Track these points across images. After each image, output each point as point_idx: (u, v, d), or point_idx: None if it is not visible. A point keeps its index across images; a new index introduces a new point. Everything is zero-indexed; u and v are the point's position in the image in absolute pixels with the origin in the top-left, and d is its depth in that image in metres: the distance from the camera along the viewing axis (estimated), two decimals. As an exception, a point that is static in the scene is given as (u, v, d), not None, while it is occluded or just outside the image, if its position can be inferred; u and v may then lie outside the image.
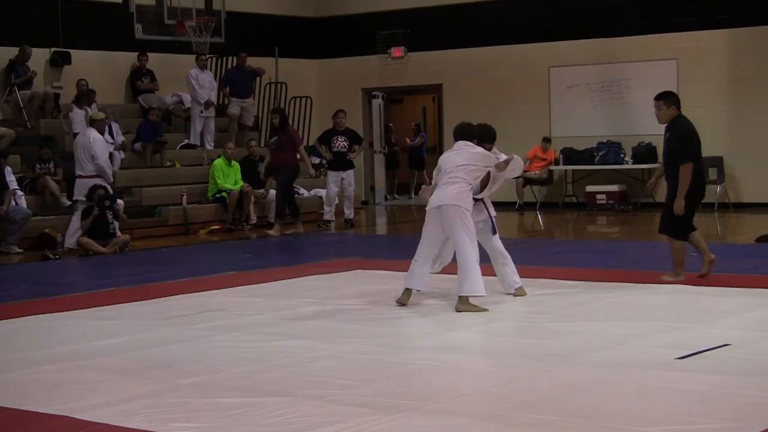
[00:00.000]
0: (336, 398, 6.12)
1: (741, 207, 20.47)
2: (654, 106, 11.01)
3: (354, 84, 24.79)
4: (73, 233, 15.57)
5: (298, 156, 18.13)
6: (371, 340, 7.91)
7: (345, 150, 18.74)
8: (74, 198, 15.98)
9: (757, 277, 10.95)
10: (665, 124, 10.93)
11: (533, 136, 22.22)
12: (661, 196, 20.88)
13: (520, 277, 10.06)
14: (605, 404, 5.90)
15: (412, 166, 27.05)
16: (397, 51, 24.06)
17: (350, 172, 18.93)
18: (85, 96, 18.40)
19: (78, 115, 17.92)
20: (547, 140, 22.12)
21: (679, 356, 6.99)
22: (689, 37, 21.06)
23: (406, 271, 9.63)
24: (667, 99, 10.93)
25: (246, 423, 5.69)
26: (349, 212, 19.03)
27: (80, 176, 15.81)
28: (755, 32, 20.59)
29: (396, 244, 17.12)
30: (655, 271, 11.29)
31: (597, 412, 5.73)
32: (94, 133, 15.77)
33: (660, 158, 21.33)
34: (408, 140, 27.34)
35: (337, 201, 19.01)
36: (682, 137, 10.69)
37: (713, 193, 20.56)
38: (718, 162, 20.79)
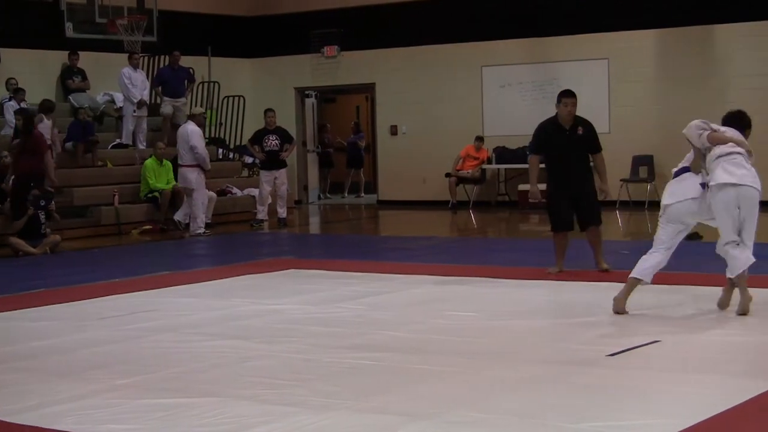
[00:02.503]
0: (269, 398, 6.12)
1: (671, 205, 20.65)
2: (571, 104, 11.25)
3: (287, 83, 24.76)
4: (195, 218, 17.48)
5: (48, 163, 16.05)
6: (305, 340, 7.91)
7: (277, 149, 18.72)
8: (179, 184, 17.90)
9: (686, 274, 11.07)
10: (571, 121, 11.24)
11: (466, 135, 22.31)
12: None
13: (454, 276, 10.09)
14: (537, 401, 5.94)
15: (350, 165, 27.07)
16: (330, 50, 24.06)
17: (283, 171, 18.91)
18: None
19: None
20: (479, 139, 22.22)
21: (610, 353, 7.07)
22: (620, 37, 21.26)
23: (340, 270, 9.63)
24: None
25: (179, 424, 5.67)
26: (282, 211, 19.00)
27: (181, 166, 17.68)
28: (684, 32, 20.83)
29: (329, 244, 17.13)
30: (588, 270, 11.39)
31: (529, 409, 5.77)
32: (192, 126, 17.52)
33: (591, 157, 21.57)
34: (340, 139, 27.40)
35: (270, 200, 18.98)
36: (594, 130, 11.39)
37: (644, 191, 20.79)
38: (648, 160, 21.01)
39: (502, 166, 22.42)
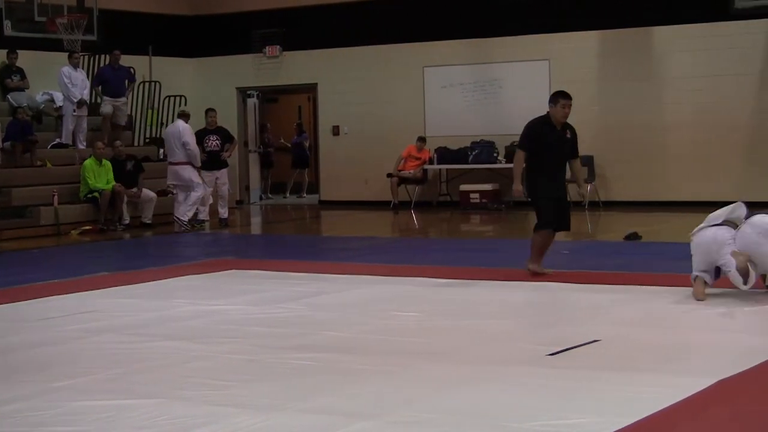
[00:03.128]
0: (212, 399, 6.10)
1: (611, 205, 20.85)
2: (569, 106, 11.31)
3: (229, 83, 24.68)
4: (184, 212, 18.05)
5: None
6: (247, 340, 7.89)
7: (218, 149, 18.67)
8: (168, 182, 18.62)
9: (626, 274, 11.17)
10: (562, 123, 11.31)
11: (408, 135, 22.34)
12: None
13: (396, 276, 10.10)
14: (480, 400, 5.97)
15: (295, 165, 27.02)
16: (272, 50, 24.01)
17: (224, 171, 18.85)
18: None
19: None
20: (421, 140, 22.27)
21: (550, 353, 7.11)
22: (561, 38, 21.40)
23: (282, 270, 9.62)
24: None
25: (120, 425, 5.64)
26: (223, 212, 18.94)
27: (171, 163, 18.29)
28: (624, 34, 21.00)
29: (271, 244, 17.10)
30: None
31: (472, 408, 5.80)
32: (182, 123, 18.35)
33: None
34: (283, 140, 27.35)
35: (211, 200, 18.91)
36: (576, 134, 11.56)
37: (584, 191, 20.92)
38: (588, 161, 21.14)
39: (444, 167, 22.48)
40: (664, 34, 20.74)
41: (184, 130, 18.26)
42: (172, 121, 22.44)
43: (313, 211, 23.42)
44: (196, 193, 18.25)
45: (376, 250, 14.47)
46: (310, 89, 24.93)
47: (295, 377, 6.67)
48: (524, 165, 11.28)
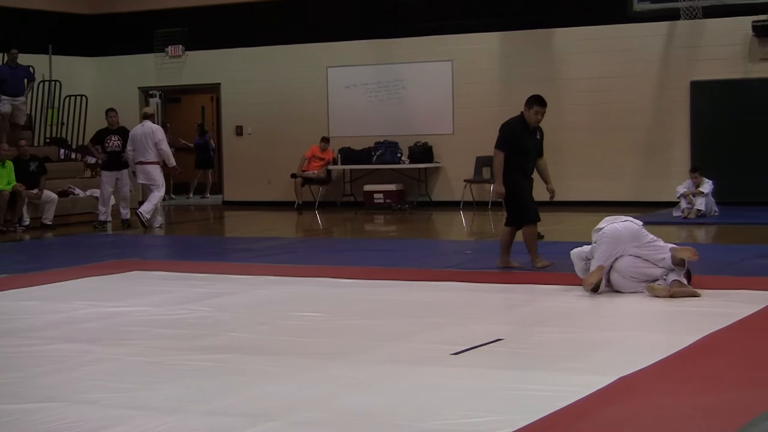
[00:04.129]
0: (113, 402, 6.03)
1: (513, 205, 21.00)
2: (542, 113, 11.55)
3: (131, 83, 24.48)
4: (147, 210, 18.30)
5: None
6: (149, 342, 7.82)
7: (119, 149, 18.51)
8: (139, 182, 18.84)
9: (528, 273, 11.28)
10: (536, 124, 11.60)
11: (312, 135, 22.36)
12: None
13: (299, 276, 10.08)
14: (382, 401, 5.98)
15: (199, 165, 26.83)
16: (174, 50, 23.87)
17: (125, 171, 18.70)
18: None
19: None
20: (325, 140, 22.29)
21: (453, 352, 7.15)
22: (463, 39, 21.56)
23: (185, 271, 9.55)
24: None
25: (18, 430, 5.56)
26: (125, 212, 18.80)
27: (142, 162, 18.36)
28: (526, 35, 21.23)
29: (174, 245, 16.97)
30: (432, 269, 11.53)
31: (374, 408, 5.81)
32: (153, 124, 18.77)
33: (436, 158, 21.85)
34: (183, 140, 27.17)
35: (113, 201, 18.75)
36: (543, 134, 11.80)
37: (487, 192, 21.08)
38: (490, 161, 21.27)
39: (348, 167, 22.51)
40: (564, 35, 21.01)
41: (157, 131, 18.56)
42: (74, 120, 22.28)
43: (216, 211, 23.30)
44: (159, 193, 18.57)
45: (279, 251, 14.44)
46: (213, 89, 24.81)
47: (198, 379, 6.64)
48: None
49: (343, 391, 6.22)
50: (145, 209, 18.32)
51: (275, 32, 23.06)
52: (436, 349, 7.28)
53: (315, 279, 11.03)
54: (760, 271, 10.98)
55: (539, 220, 11.72)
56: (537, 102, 11.53)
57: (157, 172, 18.59)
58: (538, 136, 11.69)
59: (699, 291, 9.29)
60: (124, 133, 18.69)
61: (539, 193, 11.83)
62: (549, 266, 11.33)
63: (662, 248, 9.49)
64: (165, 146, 18.61)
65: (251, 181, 23.48)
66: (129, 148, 18.53)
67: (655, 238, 9.62)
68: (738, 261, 11.76)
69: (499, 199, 11.91)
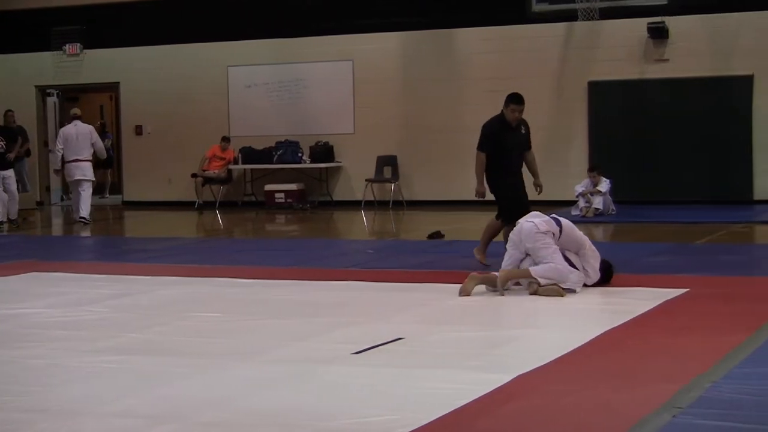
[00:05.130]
0: (10, 405, 5.95)
1: (414, 204, 21.15)
2: (519, 111, 11.66)
3: (27, 81, 24.12)
4: (78, 208, 19.12)
5: None
6: (47, 344, 7.72)
7: (2, 150, 18.28)
8: (76, 178, 19.10)
9: (429, 272, 11.35)
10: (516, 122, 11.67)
11: (212, 135, 22.26)
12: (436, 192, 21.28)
13: (199, 276, 10.04)
14: (283, 401, 5.99)
15: (99, 165, 26.50)
16: (72, 48, 23.58)
17: (10, 171, 18.45)
18: None
19: None
20: (226, 139, 22.20)
21: (355, 351, 7.18)
22: (364, 38, 21.61)
23: (84, 272, 9.44)
24: None
25: None
26: (13, 212, 18.53)
27: (78, 160, 18.97)
28: (427, 35, 21.35)
29: (73, 246, 16.76)
30: (333, 268, 11.54)
31: (276, 408, 5.81)
32: (85, 124, 19.52)
33: (337, 157, 21.87)
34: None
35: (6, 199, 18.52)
36: (529, 128, 11.94)
37: (389, 191, 21.18)
38: (392, 161, 21.41)
39: (249, 167, 22.45)
40: (465, 36, 21.17)
41: (92, 130, 19.58)
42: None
43: (116, 211, 23.08)
44: (90, 190, 19.35)
45: (180, 251, 14.36)
46: (112, 88, 24.57)
47: (98, 381, 6.58)
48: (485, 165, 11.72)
49: (246, 392, 6.22)
50: (86, 212, 19.08)
51: (175, 31, 22.90)
52: (338, 349, 7.30)
53: (216, 279, 10.98)
54: (656, 269, 11.18)
55: (510, 222, 11.46)
56: (512, 100, 11.66)
57: (91, 169, 19.38)
58: (522, 131, 11.79)
59: (564, 291, 9.43)
60: (7, 134, 18.49)
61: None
62: (485, 265, 11.28)
63: (545, 257, 9.56)
64: (100, 143, 19.84)
65: (151, 180, 23.30)
66: (59, 146, 19.01)
67: (547, 244, 9.64)
68: (634, 259, 11.95)
69: (479, 199, 11.98)
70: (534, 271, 9.46)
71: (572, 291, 9.46)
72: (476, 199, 11.94)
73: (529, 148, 12.01)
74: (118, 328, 8.38)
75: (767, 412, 5.40)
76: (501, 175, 11.68)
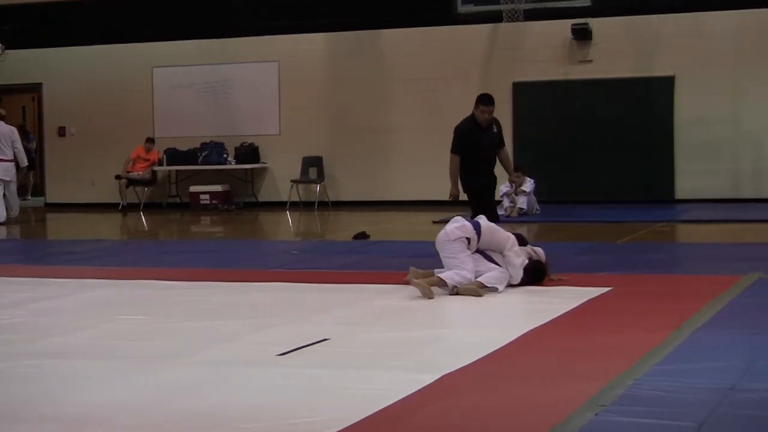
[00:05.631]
0: (-71, 410, 5.87)
1: (339, 205, 21.16)
2: (489, 112, 11.68)
3: (-53, 82, 23.82)
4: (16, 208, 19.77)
5: None
6: (-30, 348, 7.63)
7: None
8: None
9: (355, 272, 11.36)
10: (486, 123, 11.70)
11: (136, 136, 22.11)
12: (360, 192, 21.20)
13: (123, 279, 9.95)
14: (209, 403, 5.95)
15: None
16: (-7, 48, 23.31)
17: None
18: None
19: None
20: (150, 141, 22.06)
21: (280, 352, 7.16)
22: (290, 39, 21.59)
23: (5, 276, 9.31)
24: None
25: None
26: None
27: (2, 160, 19.21)
28: (352, 36, 21.36)
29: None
30: (258, 269, 11.50)
31: (201, 411, 5.77)
32: (7, 125, 19.53)
33: (262, 158, 21.81)
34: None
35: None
36: (501, 126, 12.04)
37: (314, 192, 21.18)
38: (317, 161, 21.40)
39: (173, 168, 22.32)
40: (391, 37, 21.21)
41: (14, 132, 19.67)
42: None
43: (38, 213, 22.83)
44: (14, 187, 19.74)
45: (103, 253, 14.23)
46: (35, 89, 24.30)
47: (18, 385, 6.50)
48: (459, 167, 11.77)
49: (170, 395, 6.17)
50: (15, 212, 19.60)
51: (99, 31, 22.71)
52: (262, 350, 7.28)
53: (139, 281, 10.90)
54: (581, 268, 11.27)
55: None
56: (482, 101, 11.75)
57: (14, 168, 19.56)
58: (494, 130, 11.85)
59: (482, 291, 9.49)
60: None
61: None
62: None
63: (452, 266, 9.64)
64: (20, 146, 19.66)
65: (74, 182, 23.08)
66: None
67: (454, 253, 9.73)
68: (559, 258, 12.03)
69: (452, 200, 12.05)
70: (443, 276, 9.57)
71: (494, 290, 9.52)
72: (449, 200, 12.08)
73: (503, 146, 12.15)
74: (38, 332, 8.28)
75: (686, 409, 5.46)
76: (472, 176, 11.79)
